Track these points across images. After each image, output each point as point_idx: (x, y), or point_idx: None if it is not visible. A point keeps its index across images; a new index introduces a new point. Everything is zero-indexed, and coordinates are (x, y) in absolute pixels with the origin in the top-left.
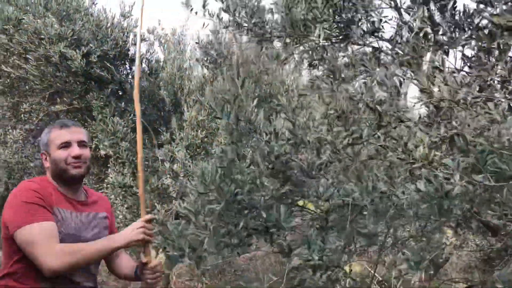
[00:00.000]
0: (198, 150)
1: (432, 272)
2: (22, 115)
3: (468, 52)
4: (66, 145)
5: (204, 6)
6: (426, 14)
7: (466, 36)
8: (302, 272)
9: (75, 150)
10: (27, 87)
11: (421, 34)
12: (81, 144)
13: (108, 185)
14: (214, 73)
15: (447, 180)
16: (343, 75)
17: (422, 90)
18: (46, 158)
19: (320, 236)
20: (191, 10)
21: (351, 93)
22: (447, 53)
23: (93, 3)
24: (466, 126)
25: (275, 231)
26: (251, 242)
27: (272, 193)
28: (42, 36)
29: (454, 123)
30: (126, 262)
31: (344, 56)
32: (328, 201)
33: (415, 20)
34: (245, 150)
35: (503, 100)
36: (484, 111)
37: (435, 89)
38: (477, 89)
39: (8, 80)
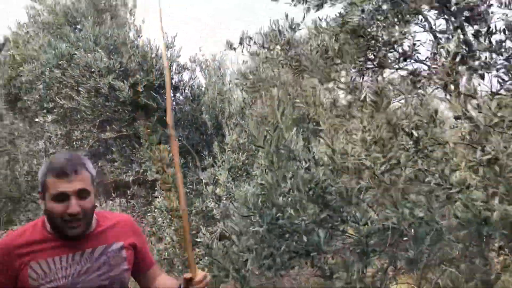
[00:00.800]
0: (239, 172)
1: None
2: (74, 142)
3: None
4: (62, 197)
5: (241, 43)
6: (461, 38)
7: (501, 59)
8: None
9: (73, 206)
10: (78, 116)
11: (457, 59)
12: (82, 194)
13: (156, 209)
14: (253, 97)
15: (485, 203)
16: (378, 101)
17: (456, 118)
18: (42, 199)
19: (361, 260)
20: (231, 47)
21: (388, 118)
22: (482, 77)
23: (139, 36)
24: (503, 150)
25: (315, 255)
26: (293, 264)
27: (312, 217)
28: (93, 70)
29: (488, 148)
30: (166, 283)
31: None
32: (367, 225)
33: (451, 43)
34: (284, 175)
35: None
36: None
37: (473, 113)
38: None
39: (61, 110)
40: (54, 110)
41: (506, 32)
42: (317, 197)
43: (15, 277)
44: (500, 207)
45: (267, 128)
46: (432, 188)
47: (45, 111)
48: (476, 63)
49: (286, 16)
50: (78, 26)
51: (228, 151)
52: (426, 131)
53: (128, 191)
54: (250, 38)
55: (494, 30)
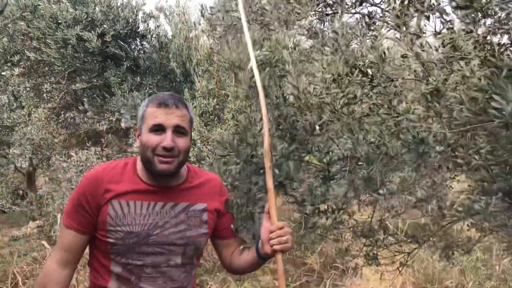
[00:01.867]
0: (211, 117)
1: (438, 214)
2: (44, 95)
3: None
4: (158, 128)
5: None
6: None
7: (445, 2)
8: (314, 216)
9: (168, 139)
10: (46, 68)
11: (405, 2)
12: (178, 130)
13: (133, 154)
14: (221, 42)
15: (428, 129)
16: (336, 44)
17: (403, 56)
18: (138, 135)
19: (324, 184)
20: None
21: (345, 58)
22: (428, 18)
23: None
24: (443, 82)
25: (288, 184)
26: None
27: (282, 152)
28: (59, 21)
29: (431, 80)
30: (248, 253)
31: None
32: (329, 153)
33: None
34: (256, 115)
35: (473, 58)
36: (457, 68)
37: (418, 51)
38: (452, 49)
39: (28, 63)
40: (21, 63)
41: None
42: (285, 133)
43: (97, 210)
44: (436, 127)
45: (241, 66)
46: (383, 118)
47: (9, 64)
48: (425, 5)
49: None
50: None
51: (198, 97)
52: (378, 69)
53: (103, 140)
54: (212, 7)
55: None
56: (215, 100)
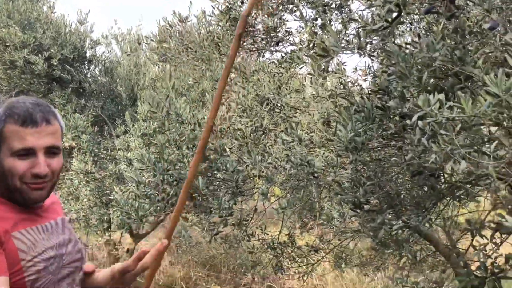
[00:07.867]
0: (151, 139)
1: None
2: None
3: None
4: (27, 153)
5: (139, 43)
6: (313, 28)
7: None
8: (218, 225)
9: (41, 165)
10: None
11: (311, 45)
12: (52, 151)
13: (72, 172)
14: (163, 71)
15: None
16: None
17: (296, 90)
18: None
19: (232, 199)
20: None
21: (257, 92)
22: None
23: (52, 12)
24: (332, 114)
25: (196, 196)
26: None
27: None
28: (7, 44)
29: (318, 112)
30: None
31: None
32: (235, 172)
33: (306, 32)
34: (173, 137)
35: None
36: (339, 104)
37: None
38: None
39: None
40: None
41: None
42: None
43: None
44: (320, 153)
45: (160, 97)
46: (283, 142)
47: None
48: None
49: (174, 12)
50: None
51: (139, 120)
52: (279, 100)
53: None
54: (147, 37)
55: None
56: (155, 123)
